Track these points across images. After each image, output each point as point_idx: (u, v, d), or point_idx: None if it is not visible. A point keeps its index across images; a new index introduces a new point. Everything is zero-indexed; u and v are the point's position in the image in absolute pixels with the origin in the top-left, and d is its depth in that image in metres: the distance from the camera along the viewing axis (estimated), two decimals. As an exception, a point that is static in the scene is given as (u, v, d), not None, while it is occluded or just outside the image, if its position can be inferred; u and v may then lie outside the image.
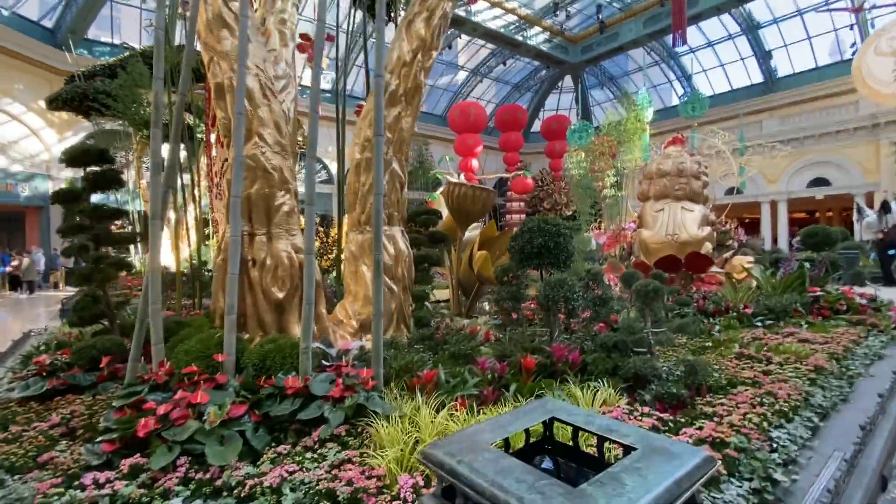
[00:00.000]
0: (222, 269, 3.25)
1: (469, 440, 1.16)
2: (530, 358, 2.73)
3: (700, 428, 2.22)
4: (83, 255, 3.43)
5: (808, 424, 2.50)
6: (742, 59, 24.97)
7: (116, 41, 19.51)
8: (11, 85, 16.66)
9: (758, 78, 25.04)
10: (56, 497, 1.83)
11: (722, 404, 2.55)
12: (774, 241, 23.17)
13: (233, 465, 2.04)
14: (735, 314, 5.11)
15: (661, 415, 2.39)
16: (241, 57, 2.93)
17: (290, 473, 1.93)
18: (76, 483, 1.96)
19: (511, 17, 24.39)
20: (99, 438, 2.25)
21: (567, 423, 1.29)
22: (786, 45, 23.34)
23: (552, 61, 28.32)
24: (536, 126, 32.81)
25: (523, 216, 32.10)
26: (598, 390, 2.58)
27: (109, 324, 3.82)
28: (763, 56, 23.97)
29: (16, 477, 2.06)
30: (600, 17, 24.53)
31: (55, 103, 11.55)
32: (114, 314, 3.81)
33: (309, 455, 2.12)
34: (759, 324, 4.90)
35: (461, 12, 22.42)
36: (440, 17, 3.79)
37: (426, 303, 4.97)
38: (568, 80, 31.74)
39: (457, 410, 2.45)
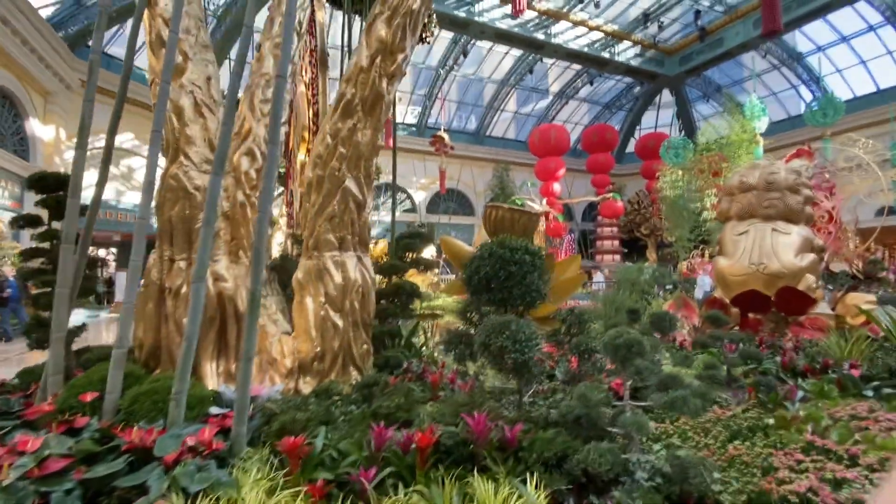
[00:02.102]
0: (142, 296, 3.04)
1: None
2: (429, 432, 1.97)
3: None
4: (37, 278, 3.51)
5: None
6: (890, 52, 20.61)
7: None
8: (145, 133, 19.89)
9: (915, 73, 20.41)
10: None
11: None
12: (953, 274, 18.07)
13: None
14: (836, 375, 3.62)
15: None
16: (163, 73, 2.75)
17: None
18: None
19: (597, 35, 23.22)
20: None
21: None
22: (954, 30, 18.74)
23: (646, 76, 26.25)
24: (632, 146, 30.46)
25: (616, 243, 29.61)
26: (516, 495, 1.71)
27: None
28: (921, 46, 19.52)
29: None
30: (699, 23, 22.21)
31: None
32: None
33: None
34: (871, 392, 3.39)
35: (540, 35, 21.91)
36: (404, 16, 3.31)
37: (418, 340, 4.35)
38: (667, 96, 29.14)
39: (315, 497, 1.82)
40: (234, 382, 2.79)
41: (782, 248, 5.29)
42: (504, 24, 21.00)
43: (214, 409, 2.46)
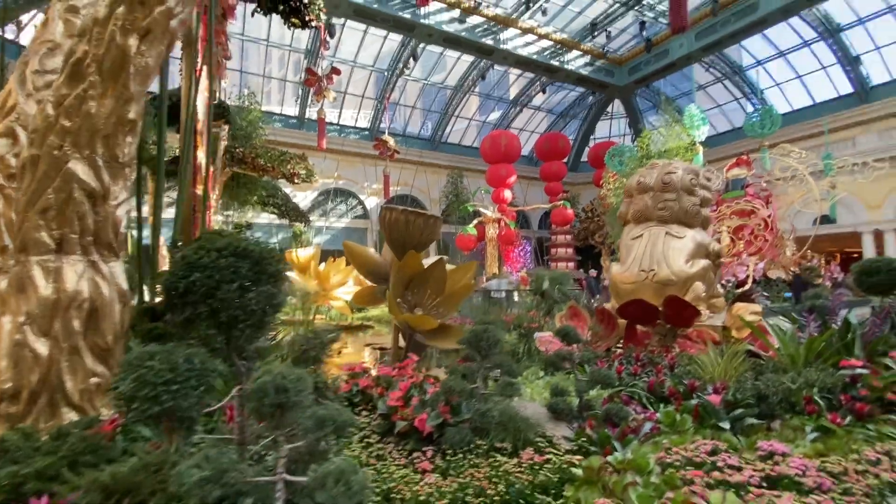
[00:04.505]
0: None
1: None
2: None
3: None
4: None
5: None
6: (824, 67, 21.37)
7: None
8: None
9: (846, 88, 21.18)
10: None
11: None
12: (881, 280, 18.68)
13: None
14: (699, 402, 3.08)
15: None
16: None
17: None
18: None
19: (546, 43, 23.18)
20: None
21: None
22: (878, 49, 19.56)
23: (596, 85, 26.45)
24: (587, 155, 30.64)
25: (570, 250, 29.57)
26: None
27: None
28: (849, 63, 20.28)
29: None
30: (645, 34, 22.51)
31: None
32: None
33: None
34: (728, 424, 2.84)
35: (489, 41, 21.67)
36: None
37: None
38: (620, 105, 29.51)
39: None
40: None
41: (673, 253, 4.83)
42: (451, 28, 20.64)
43: None
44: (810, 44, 20.87)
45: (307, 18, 6.52)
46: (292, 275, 13.32)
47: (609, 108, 30.37)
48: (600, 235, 29.25)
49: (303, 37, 21.47)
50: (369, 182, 26.60)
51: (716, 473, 2.19)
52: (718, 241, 16.71)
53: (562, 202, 25.24)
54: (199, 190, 7.30)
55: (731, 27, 20.06)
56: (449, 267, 6.71)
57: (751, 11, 19.19)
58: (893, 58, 19.52)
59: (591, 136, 31.87)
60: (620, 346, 4.82)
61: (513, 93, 29.11)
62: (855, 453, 2.49)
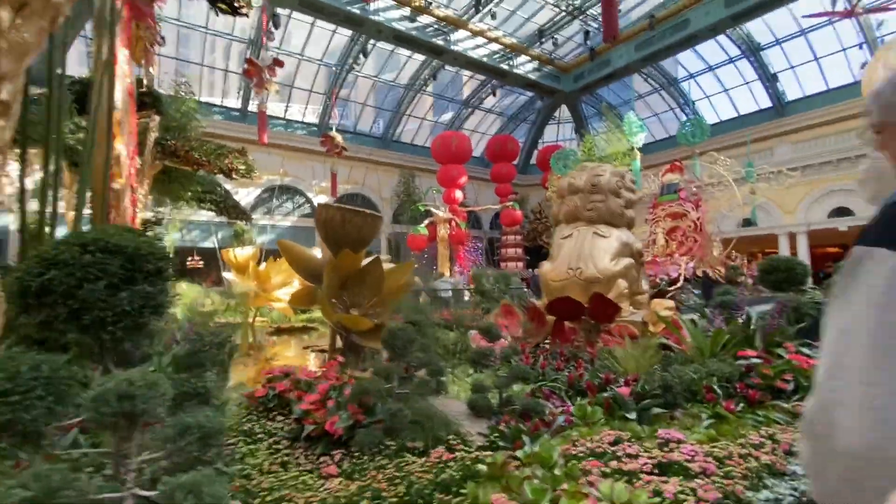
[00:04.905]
0: None
1: None
2: None
3: None
4: None
5: None
6: (747, 83, 23.19)
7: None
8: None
9: (766, 103, 23.12)
10: None
11: None
12: (794, 279, 20.51)
13: None
14: (610, 394, 3.21)
15: None
16: None
17: None
18: None
19: (496, 46, 23.58)
20: None
21: None
22: (792, 68, 21.48)
23: (544, 91, 27.23)
24: (536, 158, 31.48)
25: (520, 250, 30.26)
26: None
27: None
28: (769, 79, 22.13)
29: None
30: (589, 43, 23.42)
31: None
32: None
33: None
34: (635, 415, 2.98)
35: (440, 41, 21.74)
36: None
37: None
38: (568, 111, 30.54)
39: None
40: None
41: (600, 252, 5.04)
42: (402, 26, 20.51)
43: None
44: (735, 60, 22.58)
45: (236, 5, 6.21)
46: (230, 276, 12.70)
47: (557, 113, 31.35)
48: (548, 236, 30.18)
49: (248, 26, 20.55)
50: (317, 179, 25.90)
51: (613, 463, 2.27)
52: (654, 241, 17.72)
53: (510, 203, 25.76)
54: (119, 184, 6.80)
55: (666, 41, 21.31)
56: (388, 266, 6.63)
57: (683, 28, 20.47)
58: (805, 76, 21.51)
59: (540, 140, 32.77)
60: (549, 342, 4.96)
61: (465, 94, 29.38)
62: (742, 437, 2.68)
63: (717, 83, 24.35)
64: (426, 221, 24.27)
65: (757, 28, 20.85)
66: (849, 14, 14.14)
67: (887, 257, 0.59)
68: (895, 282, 0.58)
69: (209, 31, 20.63)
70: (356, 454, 2.42)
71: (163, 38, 11.03)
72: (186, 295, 9.40)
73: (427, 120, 30.17)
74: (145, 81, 10.45)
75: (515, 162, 28.98)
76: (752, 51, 21.60)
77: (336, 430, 2.53)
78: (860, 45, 18.72)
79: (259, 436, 2.74)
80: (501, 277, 5.93)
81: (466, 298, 17.58)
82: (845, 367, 0.62)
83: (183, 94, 14.14)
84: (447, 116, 30.60)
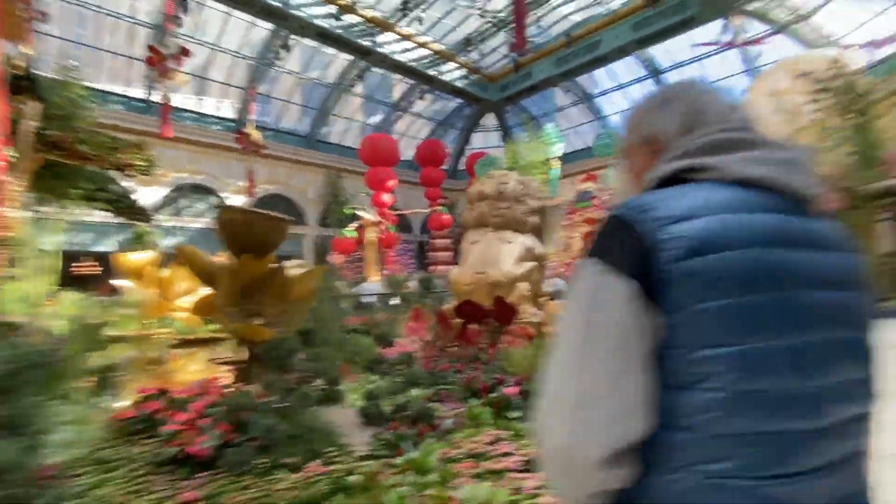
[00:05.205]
0: None
1: None
2: None
3: None
4: None
5: None
6: (652, 101, 25.42)
7: None
8: None
9: (669, 120, 25.47)
10: None
11: None
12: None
13: None
14: (497, 395, 3.32)
15: None
16: None
17: None
18: None
19: (424, 51, 23.76)
20: None
21: None
22: (690, 90, 23.89)
23: (471, 98, 27.91)
24: (464, 164, 32.11)
25: (450, 253, 30.64)
26: None
27: None
28: (669, 99, 24.44)
29: None
30: (513, 55, 24.39)
31: None
32: None
33: None
34: (519, 413, 3.11)
35: (366, 42, 21.47)
36: None
37: None
38: (494, 119, 31.52)
39: None
40: None
41: (504, 256, 5.26)
42: (327, 24, 19.98)
43: None
44: (641, 80, 24.69)
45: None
46: (124, 282, 11.51)
47: (485, 121, 32.25)
48: (476, 240, 30.94)
49: (156, 10, 18.84)
50: (234, 179, 24.32)
51: (487, 463, 2.34)
52: (571, 245, 18.76)
53: (438, 208, 26.03)
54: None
55: (581, 59, 22.80)
56: (298, 272, 6.37)
57: (595, 48, 22.03)
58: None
59: (468, 146, 33.50)
60: (456, 344, 5.06)
61: (395, 97, 29.25)
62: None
63: (628, 101, 26.45)
64: (354, 224, 23.76)
65: (660, 52, 22.97)
66: (731, 45, 16.06)
67: (596, 264, 0.66)
68: (602, 285, 0.64)
69: (110, 12, 18.68)
70: (223, 476, 2.28)
71: (43, 13, 9.87)
72: (67, 306, 8.33)
73: (355, 121, 29.63)
74: (20, 63, 9.20)
75: (445, 167, 29.35)
76: (655, 73, 23.73)
77: (201, 451, 2.36)
78: (745, 72, 21.31)
79: (115, 463, 2.49)
80: (423, 280, 5.95)
81: (392, 303, 17.44)
82: (560, 365, 0.67)
83: (71, 78, 12.64)
84: (377, 118, 30.27)
